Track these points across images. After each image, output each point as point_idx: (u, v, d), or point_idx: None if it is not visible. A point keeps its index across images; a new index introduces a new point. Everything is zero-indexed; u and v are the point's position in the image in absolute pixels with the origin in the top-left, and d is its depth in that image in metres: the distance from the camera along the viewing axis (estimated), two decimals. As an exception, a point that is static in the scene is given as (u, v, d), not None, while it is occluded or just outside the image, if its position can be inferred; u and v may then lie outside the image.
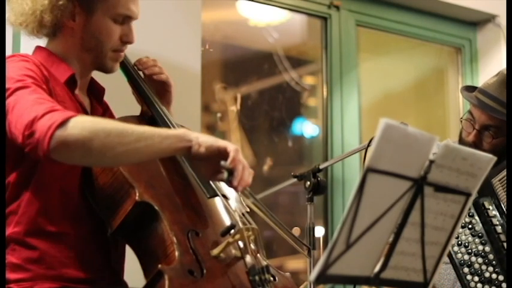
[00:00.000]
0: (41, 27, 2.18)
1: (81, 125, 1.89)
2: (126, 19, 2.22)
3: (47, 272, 2.06)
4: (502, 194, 2.78)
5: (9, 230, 2.08)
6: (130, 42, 2.25)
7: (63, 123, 1.88)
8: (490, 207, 2.80)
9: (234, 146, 2.01)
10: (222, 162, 1.98)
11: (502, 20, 4.83)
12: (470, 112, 2.96)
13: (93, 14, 2.18)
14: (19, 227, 2.08)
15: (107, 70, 2.27)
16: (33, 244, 2.07)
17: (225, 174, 1.98)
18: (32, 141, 1.89)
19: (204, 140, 1.99)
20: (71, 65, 2.20)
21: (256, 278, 2.02)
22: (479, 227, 2.80)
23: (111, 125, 1.95)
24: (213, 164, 2.00)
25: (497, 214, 2.79)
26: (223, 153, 1.99)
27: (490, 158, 1.81)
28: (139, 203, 2.03)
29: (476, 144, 2.88)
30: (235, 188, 2.00)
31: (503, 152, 2.90)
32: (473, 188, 1.80)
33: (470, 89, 3.06)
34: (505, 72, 2.97)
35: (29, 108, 1.92)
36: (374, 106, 4.80)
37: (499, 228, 2.78)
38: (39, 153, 1.89)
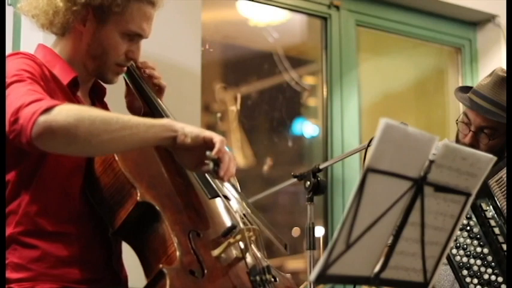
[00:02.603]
0: (51, 25, 2.19)
1: (66, 112, 1.87)
2: (136, 37, 2.22)
3: (49, 271, 2.06)
4: (500, 195, 2.78)
5: (10, 230, 2.07)
6: (135, 60, 2.26)
7: (48, 109, 1.86)
8: (488, 209, 2.79)
9: (220, 136, 2.00)
10: (208, 153, 1.97)
11: (502, 20, 4.84)
12: (465, 114, 2.96)
13: (105, 24, 2.18)
14: (20, 227, 2.07)
15: (106, 81, 2.28)
16: (35, 244, 2.07)
17: (211, 165, 1.97)
18: (16, 127, 1.87)
19: (190, 131, 1.98)
20: (75, 68, 2.20)
21: (257, 278, 2.02)
22: (477, 229, 2.80)
23: (97, 113, 1.93)
24: (198, 154, 1.99)
25: (495, 215, 2.79)
26: (208, 144, 1.98)
27: (490, 158, 1.81)
28: (140, 203, 2.03)
29: (473, 146, 2.88)
30: (221, 179, 1.99)
31: (501, 153, 2.89)
32: (473, 188, 1.80)
33: (464, 89, 3.05)
34: (499, 72, 2.96)
35: (18, 98, 1.91)
36: (374, 106, 4.80)
37: (497, 230, 2.78)
38: (22, 139, 1.86)
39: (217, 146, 1.97)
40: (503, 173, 2.77)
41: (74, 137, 1.86)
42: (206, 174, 2.18)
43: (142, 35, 2.23)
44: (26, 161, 2.07)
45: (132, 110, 2.37)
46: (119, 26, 2.18)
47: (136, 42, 2.23)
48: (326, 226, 4.38)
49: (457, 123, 2.98)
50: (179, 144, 1.97)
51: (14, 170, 2.08)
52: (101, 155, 2.07)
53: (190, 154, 2.00)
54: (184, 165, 2.07)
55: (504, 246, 2.75)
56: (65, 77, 2.17)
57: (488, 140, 2.88)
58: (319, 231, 4.31)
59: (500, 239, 2.76)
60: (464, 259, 2.78)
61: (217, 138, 1.99)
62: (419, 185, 1.69)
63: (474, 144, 2.89)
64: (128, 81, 2.35)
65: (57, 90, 2.13)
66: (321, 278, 1.60)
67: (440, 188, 1.73)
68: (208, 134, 2.00)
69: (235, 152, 4.44)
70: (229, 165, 1.99)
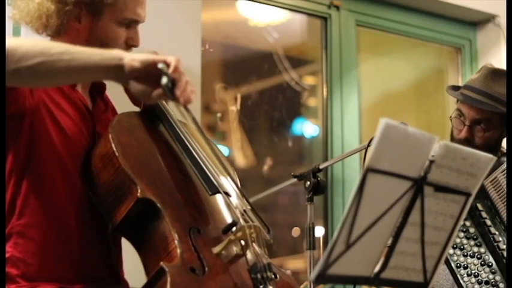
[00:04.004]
0: (45, 28, 2.17)
1: (12, 39, 1.85)
2: (132, 23, 2.20)
3: (49, 267, 2.06)
4: (495, 195, 2.79)
5: (13, 222, 2.07)
6: (135, 46, 2.22)
7: None
8: (483, 209, 2.80)
9: (175, 56, 1.89)
10: (161, 65, 1.84)
11: (502, 20, 4.84)
12: (458, 109, 2.99)
13: (100, 17, 2.16)
14: (23, 219, 2.07)
15: None
16: (37, 238, 2.06)
17: (164, 80, 1.81)
18: None
19: (139, 56, 1.88)
20: None
21: (258, 275, 2.01)
22: (473, 229, 2.81)
23: (41, 41, 1.89)
24: (152, 79, 1.85)
25: (491, 215, 2.80)
26: (164, 71, 1.85)
27: (490, 158, 1.81)
28: (141, 200, 2.02)
29: (469, 140, 2.91)
30: (177, 99, 1.86)
31: (496, 145, 2.94)
32: (473, 188, 1.80)
33: (456, 88, 3.09)
34: (488, 65, 3.02)
35: None
36: (374, 106, 4.81)
37: (493, 229, 2.79)
38: None
39: (172, 63, 1.86)
40: (497, 173, 2.79)
41: (10, 58, 1.81)
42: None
43: (138, 21, 2.21)
44: (18, 141, 2.05)
45: (137, 105, 2.35)
46: (114, 16, 2.16)
47: (133, 28, 2.21)
48: (326, 226, 4.38)
49: (451, 120, 3.01)
50: (128, 72, 1.86)
51: (12, 152, 2.07)
52: (44, 82, 1.97)
53: (144, 82, 1.87)
54: (140, 96, 1.95)
55: (501, 245, 2.77)
56: None
57: (483, 132, 2.92)
58: (319, 231, 4.31)
59: (497, 238, 2.77)
60: (462, 259, 2.79)
61: (171, 57, 1.88)
62: (419, 185, 1.69)
63: (469, 138, 2.92)
64: None
65: None
66: (321, 278, 1.60)
67: (440, 188, 1.74)
68: (160, 56, 1.89)
69: (235, 152, 4.44)
70: (186, 87, 1.88)
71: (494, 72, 2.97)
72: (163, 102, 2.26)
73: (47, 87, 2.06)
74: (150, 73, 1.86)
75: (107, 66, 1.86)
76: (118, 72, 1.86)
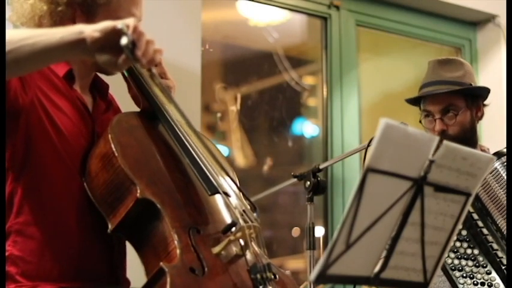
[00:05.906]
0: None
1: None
2: None
3: (48, 265, 2.06)
4: (485, 197, 2.79)
5: (11, 221, 2.07)
6: None
7: None
8: (474, 211, 2.80)
9: (133, 18, 1.88)
10: (120, 25, 1.79)
11: (502, 20, 4.84)
12: (424, 110, 3.01)
13: (94, 18, 2.14)
14: (21, 217, 2.07)
15: (107, 73, 2.26)
16: (36, 236, 2.06)
17: (124, 40, 1.76)
18: None
19: (98, 26, 1.84)
20: (70, 63, 2.19)
21: (258, 276, 2.01)
22: (465, 231, 2.81)
23: (9, 30, 1.87)
24: (116, 49, 1.81)
25: (482, 217, 2.80)
26: (124, 31, 1.81)
27: (490, 158, 1.81)
28: (140, 200, 2.01)
29: (444, 131, 2.93)
30: (139, 61, 1.82)
31: (472, 129, 2.97)
32: (473, 188, 1.80)
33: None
34: (431, 60, 3.09)
35: None
36: (374, 106, 4.81)
37: (485, 231, 2.79)
38: None
39: (131, 24, 1.82)
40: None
41: None
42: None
43: None
44: (15, 138, 2.05)
45: (139, 104, 2.35)
46: (108, 16, 2.12)
47: None
48: (326, 226, 4.38)
49: (420, 123, 3.03)
50: (90, 44, 1.82)
51: (9, 149, 2.06)
52: (17, 71, 1.94)
53: (108, 51, 1.84)
54: (108, 67, 1.91)
55: (494, 246, 2.77)
56: (60, 69, 2.16)
57: (455, 118, 2.95)
58: (319, 231, 4.31)
59: (489, 238, 2.78)
60: (456, 261, 2.79)
61: (129, 19, 1.84)
62: (419, 185, 1.69)
63: (444, 129, 2.94)
64: (124, 74, 2.32)
65: (55, 80, 2.13)
66: (321, 278, 1.60)
67: (440, 188, 1.73)
68: (119, 21, 1.84)
69: (235, 152, 4.44)
70: (148, 47, 1.85)
71: (439, 62, 3.05)
72: (164, 103, 2.26)
73: (21, 74, 2.03)
74: (111, 40, 1.82)
75: (69, 42, 1.83)
76: (81, 46, 1.83)
